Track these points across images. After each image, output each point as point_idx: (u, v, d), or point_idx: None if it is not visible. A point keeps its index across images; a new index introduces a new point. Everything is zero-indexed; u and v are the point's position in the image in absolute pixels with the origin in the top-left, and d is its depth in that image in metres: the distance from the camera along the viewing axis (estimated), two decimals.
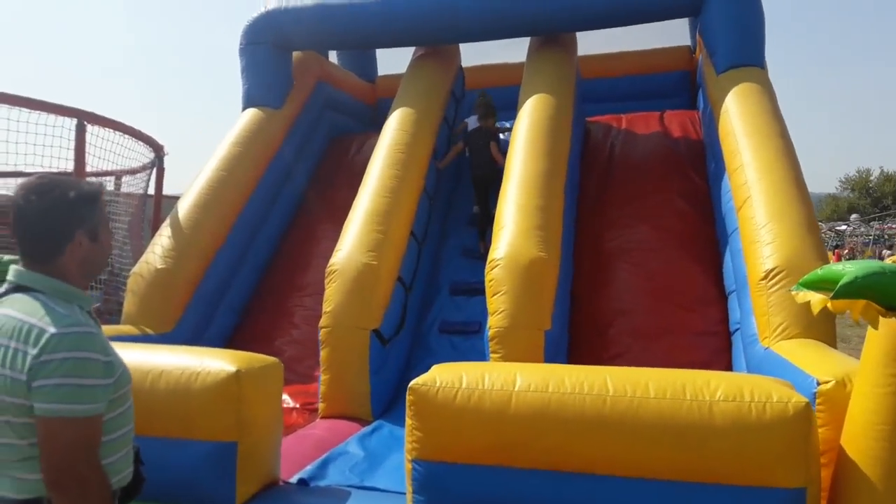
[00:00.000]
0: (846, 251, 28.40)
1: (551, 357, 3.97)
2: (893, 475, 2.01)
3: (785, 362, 3.01)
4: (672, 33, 7.73)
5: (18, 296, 1.65)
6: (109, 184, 6.75)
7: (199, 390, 2.62)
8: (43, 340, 1.54)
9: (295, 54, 6.77)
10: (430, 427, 2.33)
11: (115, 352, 1.70)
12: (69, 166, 5.43)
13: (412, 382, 2.39)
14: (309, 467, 3.21)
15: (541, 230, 4.31)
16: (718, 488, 2.10)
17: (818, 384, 2.46)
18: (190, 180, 5.57)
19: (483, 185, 5.89)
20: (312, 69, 7.00)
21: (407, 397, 2.38)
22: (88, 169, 5.61)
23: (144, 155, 6.66)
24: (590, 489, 2.20)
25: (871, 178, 52.46)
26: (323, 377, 4.31)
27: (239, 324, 5.54)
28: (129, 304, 4.73)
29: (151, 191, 7.08)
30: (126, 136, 6.19)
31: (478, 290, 5.04)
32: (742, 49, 5.48)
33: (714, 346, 4.49)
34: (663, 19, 6.30)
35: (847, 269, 2.06)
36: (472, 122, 6.32)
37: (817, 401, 2.41)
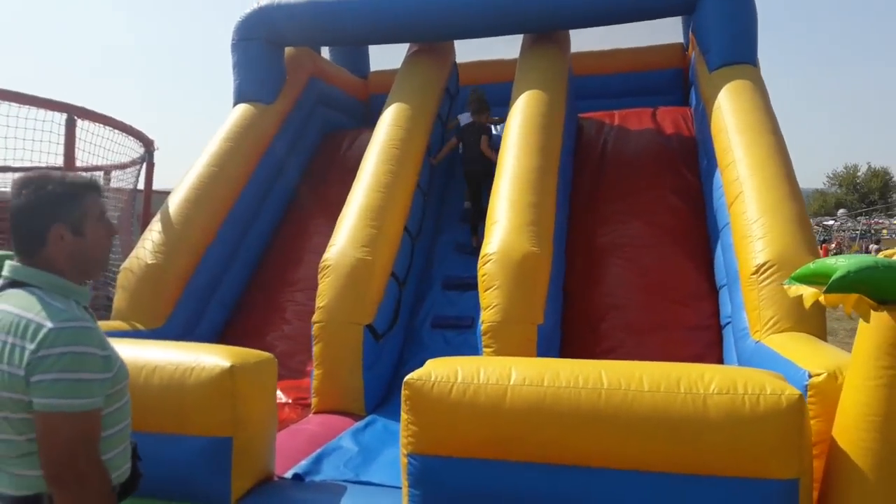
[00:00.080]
0: (833, 246, 28.69)
1: (544, 352, 3.99)
2: (884, 466, 2.03)
3: (776, 355, 3.04)
4: (665, 31, 7.76)
5: (14, 291, 1.65)
6: (99, 179, 6.70)
7: (194, 386, 2.61)
8: (41, 335, 1.54)
9: (287, 50, 6.74)
10: (425, 421, 2.33)
11: (112, 347, 1.70)
12: (59, 161, 5.39)
13: (407, 377, 2.39)
14: (303, 462, 3.20)
15: (533, 226, 4.33)
16: (713, 480, 2.12)
17: (810, 377, 2.48)
18: (180, 175, 5.54)
19: (475, 180, 5.90)
20: (305, 65, 6.98)
21: (402, 392, 2.37)
22: (78, 164, 5.57)
23: (134, 150, 6.62)
24: (585, 482, 2.21)
25: (859, 174, 53.05)
26: (316, 372, 4.31)
27: (230, 319, 5.52)
28: (119, 299, 4.70)
29: (141, 186, 7.03)
30: (116, 130, 6.15)
31: (470, 284, 5.04)
32: (735, 47, 5.51)
33: (706, 339, 4.52)
34: (657, 17, 6.33)
35: (840, 264, 2.08)
36: (465, 117, 6.32)
37: (809, 393, 2.43)
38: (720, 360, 4.30)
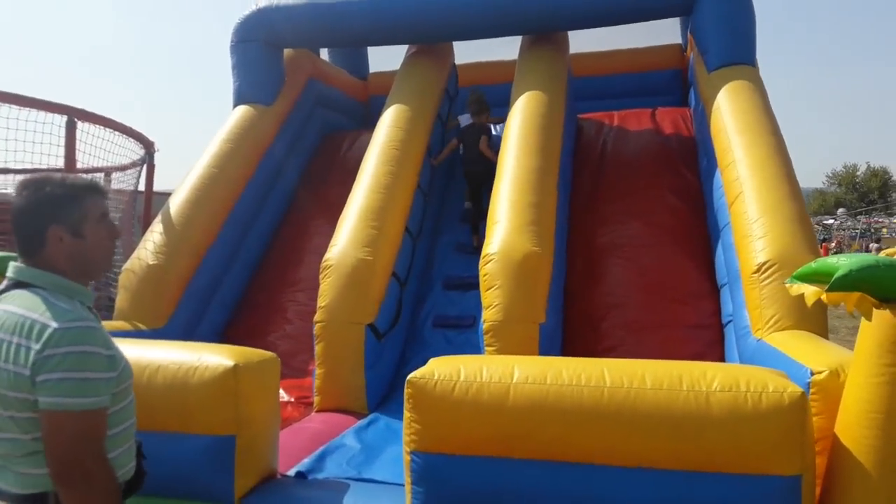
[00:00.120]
0: (833, 244, 28.73)
1: (546, 350, 4.00)
2: (887, 463, 2.04)
3: (778, 353, 3.05)
4: (663, 32, 7.78)
5: (19, 292, 1.66)
6: (100, 180, 6.71)
7: (197, 385, 2.61)
8: (46, 335, 1.55)
9: (286, 51, 6.75)
10: (428, 419, 2.33)
11: (116, 346, 1.71)
12: (60, 163, 5.40)
13: (410, 375, 2.39)
14: (306, 460, 3.21)
15: (534, 226, 4.34)
16: (715, 477, 2.12)
17: (812, 374, 2.49)
18: (180, 177, 5.55)
19: (476, 181, 5.91)
20: (304, 66, 6.99)
21: (405, 390, 2.38)
22: (79, 166, 5.58)
23: (135, 151, 6.62)
24: (588, 479, 2.22)
25: (858, 173, 53.20)
26: (318, 371, 4.31)
27: (231, 320, 5.52)
28: (120, 299, 4.71)
29: (141, 187, 7.04)
30: (116, 132, 6.16)
31: (471, 284, 5.06)
32: (733, 47, 5.53)
33: (707, 338, 4.53)
34: (655, 18, 6.34)
35: (842, 262, 2.09)
36: (465, 119, 6.34)
37: (811, 390, 2.44)
38: (721, 359, 4.30)
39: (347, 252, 4.55)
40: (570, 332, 4.72)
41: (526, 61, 6.19)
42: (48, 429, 1.55)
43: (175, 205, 5.17)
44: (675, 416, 2.15)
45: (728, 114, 4.93)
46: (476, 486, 2.29)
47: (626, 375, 2.25)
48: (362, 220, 4.79)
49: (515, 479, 2.26)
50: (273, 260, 6.02)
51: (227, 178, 5.55)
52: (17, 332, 1.57)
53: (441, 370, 2.38)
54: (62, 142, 5.44)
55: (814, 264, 2.22)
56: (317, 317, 4.39)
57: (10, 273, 1.71)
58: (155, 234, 4.96)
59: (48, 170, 5.34)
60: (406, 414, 2.38)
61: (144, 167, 6.84)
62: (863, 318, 2.14)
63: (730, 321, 4.26)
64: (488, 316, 4.05)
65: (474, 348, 4.49)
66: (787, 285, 2.33)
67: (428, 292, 5.45)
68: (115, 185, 6.78)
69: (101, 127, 5.88)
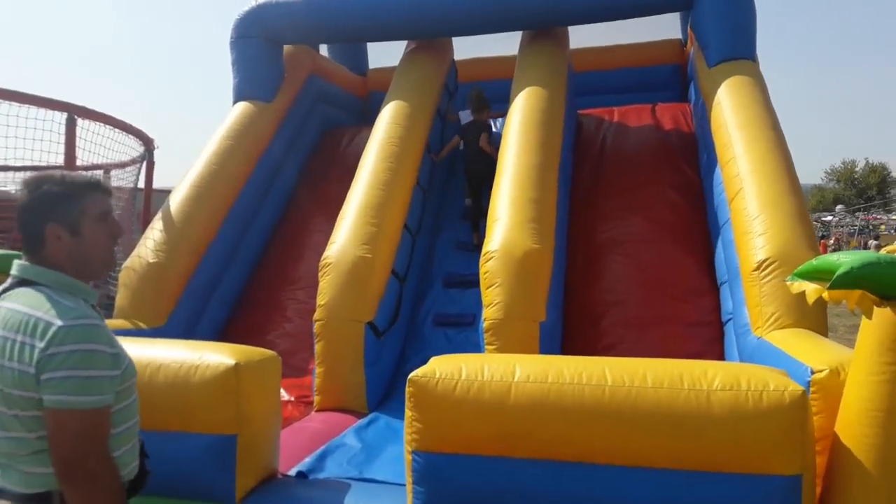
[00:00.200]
0: (832, 241, 28.72)
1: (546, 348, 4.00)
2: (887, 461, 2.04)
3: (778, 351, 3.05)
4: (663, 27, 7.76)
5: (23, 290, 1.66)
6: (101, 179, 6.68)
7: (199, 383, 2.61)
8: (50, 333, 1.55)
9: (286, 47, 6.74)
10: (429, 418, 2.33)
11: (119, 344, 1.71)
12: (60, 160, 5.39)
13: (412, 374, 2.39)
14: (307, 460, 3.21)
15: (535, 222, 4.33)
16: (716, 476, 2.12)
17: (812, 373, 2.49)
18: (177, 175, 5.55)
19: (477, 178, 5.91)
20: (304, 62, 6.97)
21: (406, 389, 2.37)
22: (79, 163, 5.57)
23: (134, 148, 6.61)
24: (589, 478, 2.21)
25: (857, 169, 53.17)
26: (318, 370, 4.31)
27: (231, 317, 5.52)
28: (121, 297, 4.71)
29: (141, 184, 7.03)
30: (116, 129, 6.15)
31: (472, 282, 5.05)
32: (734, 43, 5.52)
33: (706, 336, 4.53)
34: (656, 14, 6.33)
35: (843, 260, 2.09)
36: (465, 115, 6.33)
37: (811, 389, 2.44)
38: (721, 357, 4.31)
39: (347, 249, 4.55)
40: (569, 329, 4.72)
41: (526, 57, 6.18)
42: (52, 427, 1.55)
43: (175, 202, 5.17)
44: (676, 415, 2.14)
45: (728, 109, 4.92)
46: (478, 485, 2.28)
47: (627, 374, 2.24)
48: (361, 217, 4.78)
49: (517, 479, 2.26)
50: (273, 257, 6.02)
51: (227, 175, 5.54)
52: (21, 330, 1.57)
53: (442, 369, 2.37)
54: (62, 139, 5.43)
55: (815, 262, 2.22)
56: (316, 315, 4.39)
57: (14, 271, 1.71)
58: (155, 232, 4.96)
59: (48, 167, 5.34)
60: (407, 413, 2.38)
61: (144, 164, 6.83)
62: (863, 317, 2.14)
63: (730, 319, 4.26)
64: (489, 314, 4.05)
65: (474, 346, 4.49)
66: (788, 283, 2.33)
67: (428, 290, 5.45)
68: (114, 183, 6.78)
69: (101, 124, 5.87)
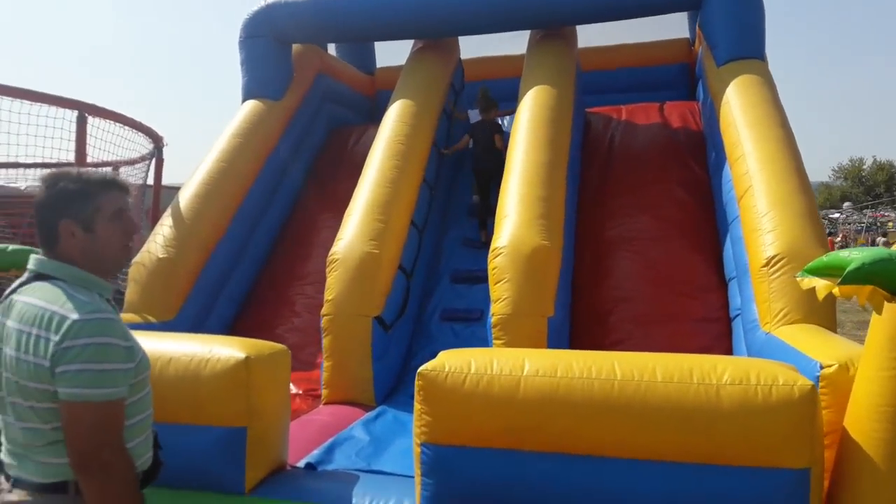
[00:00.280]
0: (839, 238, 28.54)
1: (554, 344, 4.01)
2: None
3: (787, 347, 3.05)
4: (670, 26, 7.76)
5: (39, 284, 1.68)
6: (118, 176, 6.71)
7: (209, 377, 2.62)
8: (65, 327, 1.56)
9: (294, 46, 6.78)
10: (438, 411, 2.34)
11: (134, 338, 1.73)
12: (70, 157, 5.42)
13: (421, 368, 2.39)
14: (315, 452, 3.23)
15: (543, 219, 4.34)
16: (725, 469, 2.13)
17: (821, 368, 2.49)
18: (188, 171, 5.58)
19: (486, 176, 5.92)
20: (312, 61, 7.01)
21: (416, 382, 2.38)
22: (89, 160, 5.60)
23: (144, 146, 6.64)
24: (598, 471, 2.22)
25: (864, 167, 52.91)
26: (326, 364, 4.34)
27: (240, 313, 5.56)
28: (131, 292, 4.74)
29: (150, 181, 7.06)
30: (126, 127, 6.17)
31: (479, 278, 5.07)
32: (742, 42, 5.52)
33: (715, 332, 4.53)
34: (664, 13, 6.34)
35: (854, 256, 2.10)
36: (474, 115, 6.36)
37: (820, 384, 2.44)
38: (729, 352, 4.30)
39: (354, 245, 4.57)
40: (577, 326, 4.73)
41: (534, 55, 6.19)
42: (67, 419, 1.57)
43: (184, 199, 5.20)
44: (685, 409, 2.15)
45: (737, 108, 4.92)
46: (486, 478, 2.29)
47: (636, 368, 2.25)
48: (368, 214, 4.81)
49: (526, 472, 2.26)
50: (281, 254, 6.04)
51: (235, 172, 5.57)
52: (36, 323, 1.59)
53: (452, 363, 2.38)
54: (73, 136, 5.45)
55: (825, 258, 2.23)
56: (324, 310, 4.42)
57: (30, 265, 1.74)
58: (164, 228, 4.99)
59: (58, 164, 5.37)
60: (416, 406, 2.39)
61: (153, 161, 6.86)
62: (874, 312, 2.14)
63: (738, 315, 4.26)
64: (497, 309, 4.06)
65: (481, 342, 4.50)
66: (798, 279, 2.33)
67: (435, 286, 5.47)
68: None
69: (111, 121, 5.90)
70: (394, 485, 2.66)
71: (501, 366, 2.33)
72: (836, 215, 37.80)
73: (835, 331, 3.48)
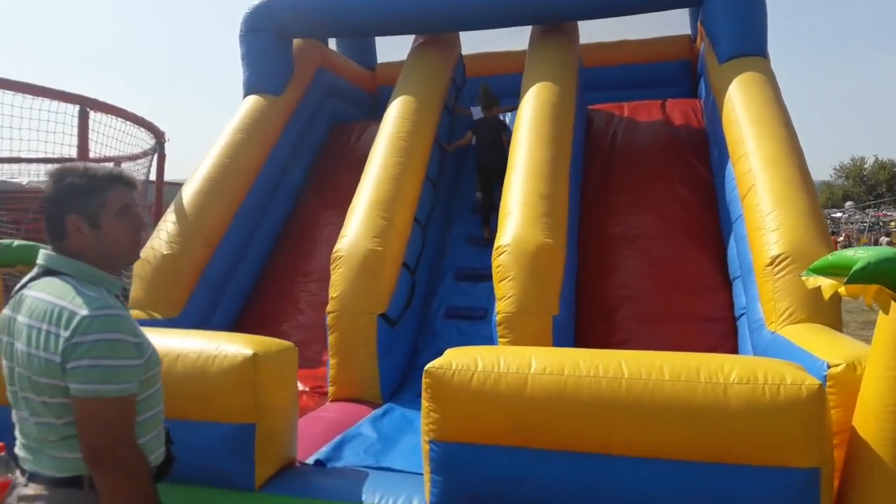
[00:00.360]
0: (842, 238, 28.53)
1: (559, 342, 4.02)
2: None
3: (793, 346, 3.06)
4: (672, 22, 7.76)
5: (49, 279, 1.68)
6: (125, 171, 6.71)
7: (217, 373, 2.63)
8: (74, 323, 1.57)
9: (295, 41, 6.74)
10: (446, 409, 2.35)
11: (143, 334, 1.73)
12: (72, 152, 5.42)
13: (428, 365, 2.40)
14: (324, 448, 3.24)
15: (547, 217, 4.35)
16: (733, 468, 2.13)
17: (829, 367, 2.50)
18: (190, 166, 5.57)
19: (489, 174, 5.92)
20: (313, 56, 6.98)
21: (423, 380, 2.39)
22: (91, 155, 5.60)
23: (146, 141, 6.64)
24: (606, 469, 2.23)
25: (866, 166, 52.87)
26: (332, 361, 4.35)
27: (244, 309, 5.55)
28: (136, 288, 4.74)
29: (152, 177, 7.06)
30: (128, 122, 6.17)
31: (483, 275, 5.08)
32: (744, 39, 5.52)
33: (720, 331, 4.54)
34: (666, 9, 6.33)
35: (859, 255, 2.10)
36: (477, 112, 6.35)
37: (828, 383, 2.45)
38: (735, 352, 4.31)
39: (358, 242, 4.57)
40: (582, 324, 4.74)
41: (536, 52, 6.18)
42: (80, 416, 1.57)
43: (188, 195, 5.20)
44: (693, 408, 2.15)
45: (740, 105, 4.92)
46: (495, 474, 2.30)
47: (644, 367, 2.25)
48: (372, 211, 4.81)
49: (534, 469, 2.27)
50: (284, 250, 6.04)
51: (238, 168, 5.57)
52: (46, 319, 1.60)
53: (459, 360, 2.38)
54: (74, 131, 5.45)
55: (830, 257, 2.23)
56: (329, 307, 4.42)
57: (39, 260, 1.74)
58: (168, 224, 4.99)
59: (61, 159, 5.37)
60: (424, 403, 2.39)
61: (155, 156, 6.86)
62: (880, 311, 2.15)
63: (743, 314, 4.27)
64: (502, 307, 4.06)
65: (485, 339, 4.51)
66: (804, 278, 2.34)
67: (439, 284, 5.47)
68: None
69: (113, 116, 5.90)
70: (403, 482, 2.67)
71: (508, 364, 2.34)
72: (839, 214, 37.75)
73: (840, 330, 3.48)
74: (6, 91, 5.04)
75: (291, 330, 5.17)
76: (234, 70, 6.57)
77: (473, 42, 7.56)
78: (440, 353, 2.50)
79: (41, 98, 5.28)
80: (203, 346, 2.73)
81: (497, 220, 4.60)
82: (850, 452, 2.24)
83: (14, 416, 1.69)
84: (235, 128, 5.85)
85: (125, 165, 6.68)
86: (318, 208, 6.31)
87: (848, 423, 2.30)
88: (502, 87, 6.52)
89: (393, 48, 8.06)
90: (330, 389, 4.35)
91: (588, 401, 2.23)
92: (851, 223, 35.29)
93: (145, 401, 1.71)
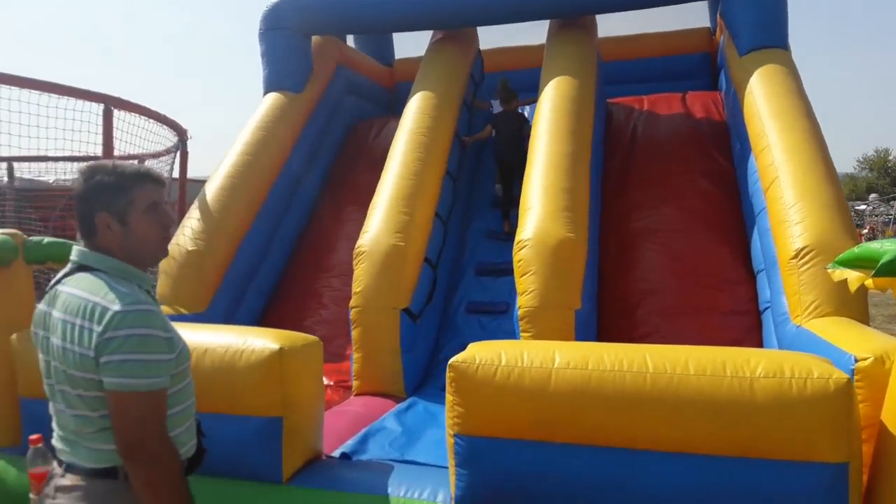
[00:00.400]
0: (866, 230, 28.04)
1: (582, 336, 4.01)
2: None
3: (819, 340, 3.02)
4: (691, 15, 7.68)
5: (82, 275, 1.72)
6: (153, 169, 6.79)
7: (244, 367, 2.66)
8: (107, 318, 1.60)
9: (314, 39, 6.77)
10: (470, 403, 2.35)
11: (174, 329, 1.76)
12: (97, 150, 5.51)
13: (452, 360, 2.40)
14: (350, 442, 3.28)
15: (568, 211, 4.34)
16: (760, 462, 2.12)
17: (856, 361, 2.47)
18: (212, 164, 5.63)
19: (509, 167, 5.92)
20: (332, 53, 7.01)
21: (447, 374, 2.39)
22: (116, 153, 5.68)
23: (168, 139, 6.72)
24: (631, 464, 2.22)
25: (890, 157, 51.90)
26: (355, 356, 4.38)
27: (268, 305, 5.61)
28: (162, 285, 4.80)
29: (175, 174, 7.14)
30: (151, 120, 6.24)
31: (504, 270, 5.08)
32: (765, 31, 5.47)
33: (744, 325, 4.50)
34: (685, 2, 6.27)
35: (887, 248, 2.07)
36: (497, 106, 6.35)
37: (856, 377, 2.41)
38: (760, 346, 4.27)
39: (380, 238, 4.60)
40: (604, 318, 4.73)
41: (554, 45, 6.15)
42: (113, 409, 1.61)
43: (211, 192, 5.25)
44: (718, 402, 2.13)
45: (761, 97, 4.87)
46: (520, 468, 2.30)
47: (668, 361, 2.24)
48: (393, 207, 4.83)
49: (558, 463, 2.27)
50: (306, 246, 6.09)
51: (260, 166, 5.61)
52: (80, 314, 1.63)
53: (482, 355, 2.38)
54: (99, 130, 5.53)
55: (856, 249, 2.20)
56: (352, 302, 4.45)
57: (73, 256, 1.77)
58: (192, 221, 5.05)
59: (85, 158, 5.46)
60: (448, 397, 2.40)
61: (178, 154, 6.94)
62: None
63: (767, 307, 4.23)
64: (523, 302, 4.06)
65: (507, 334, 4.52)
66: (830, 270, 2.32)
67: (460, 279, 5.48)
68: None
69: (137, 115, 5.97)
70: (428, 475, 2.69)
71: (532, 358, 2.33)
72: (863, 207, 37.07)
73: (867, 323, 3.43)
74: (33, 91, 5.13)
75: (315, 325, 5.22)
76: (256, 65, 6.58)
77: (491, 37, 7.55)
78: (462, 348, 2.50)
79: (67, 97, 5.36)
80: (231, 340, 2.76)
81: (517, 214, 4.60)
82: (879, 447, 2.22)
83: (51, 408, 1.74)
84: (256, 125, 5.90)
85: (148, 163, 6.78)
86: (339, 205, 6.34)
87: (876, 417, 2.27)
88: (520, 81, 6.50)
89: (411, 44, 8.07)
90: (354, 384, 4.38)
91: (612, 395, 2.22)
92: (876, 215, 34.65)
93: (176, 394, 1.74)
